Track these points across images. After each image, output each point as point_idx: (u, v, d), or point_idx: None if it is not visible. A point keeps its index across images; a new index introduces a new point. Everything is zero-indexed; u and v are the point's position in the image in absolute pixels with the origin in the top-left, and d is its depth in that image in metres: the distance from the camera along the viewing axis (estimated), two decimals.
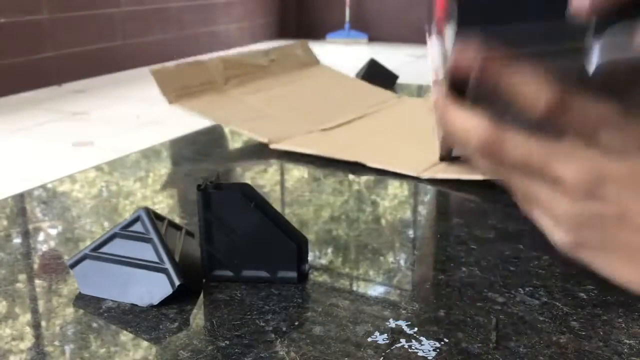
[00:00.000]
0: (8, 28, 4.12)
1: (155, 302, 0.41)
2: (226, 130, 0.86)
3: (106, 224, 0.55)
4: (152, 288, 0.41)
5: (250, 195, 0.42)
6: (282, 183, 0.67)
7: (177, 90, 0.86)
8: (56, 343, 0.37)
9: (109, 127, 3.55)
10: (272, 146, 0.74)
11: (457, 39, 0.29)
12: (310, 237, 0.51)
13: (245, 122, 0.80)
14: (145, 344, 0.37)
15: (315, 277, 0.44)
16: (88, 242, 0.48)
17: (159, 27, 5.32)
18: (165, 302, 0.41)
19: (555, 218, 0.28)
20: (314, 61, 1.06)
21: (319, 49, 1.23)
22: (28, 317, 0.41)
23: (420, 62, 4.28)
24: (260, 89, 0.92)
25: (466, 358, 0.35)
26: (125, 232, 0.43)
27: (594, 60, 0.29)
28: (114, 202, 0.60)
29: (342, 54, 5.06)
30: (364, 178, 0.66)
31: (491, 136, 0.26)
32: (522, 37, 0.32)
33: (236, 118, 0.81)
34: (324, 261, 0.47)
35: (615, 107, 0.26)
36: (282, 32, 6.67)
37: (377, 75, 1.02)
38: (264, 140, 0.74)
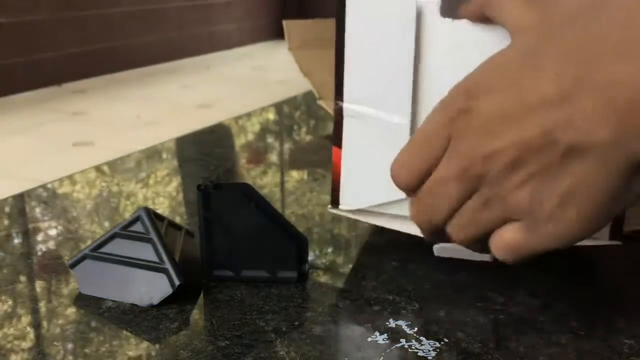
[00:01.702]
0: (8, 28, 4.12)
1: (155, 302, 0.41)
2: (229, 129, 0.86)
3: (106, 224, 0.55)
4: (152, 288, 0.41)
5: (250, 195, 0.42)
6: (282, 183, 0.67)
7: (301, 40, 0.88)
8: (56, 343, 0.38)
9: (109, 127, 3.55)
10: (318, 102, 0.78)
11: None
12: (310, 237, 0.51)
13: (325, 75, 0.80)
14: (145, 344, 0.37)
15: (315, 277, 0.45)
16: (88, 242, 0.48)
17: (159, 27, 5.32)
18: (165, 302, 0.41)
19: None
20: None
21: None
22: (28, 317, 0.41)
23: None
24: None
25: (466, 358, 0.35)
26: (125, 232, 0.43)
27: None
28: (114, 202, 0.60)
29: None
30: None
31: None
32: None
33: (321, 70, 0.81)
34: (324, 261, 0.47)
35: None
36: (282, 32, 6.67)
37: None
38: (317, 94, 0.79)
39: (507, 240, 0.31)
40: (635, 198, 0.29)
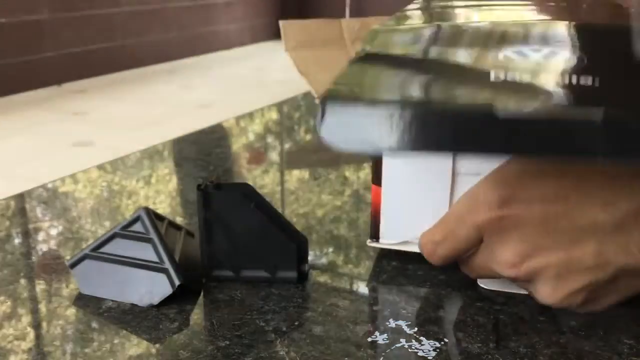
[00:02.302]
0: (8, 28, 4.12)
1: (155, 302, 0.41)
2: (229, 129, 0.86)
3: (106, 223, 0.55)
4: (152, 288, 0.41)
5: (250, 195, 0.42)
6: (282, 183, 0.67)
7: (297, 41, 0.88)
8: (56, 343, 0.38)
9: (109, 127, 3.55)
10: (317, 102, 0.79)
11: None
12: (310, 237, 0.51)
13: (323, 75, 0.81)
14: (145, 343, 0.37)
15: (315, 277, 0.45)
16: (88, 242, 0.48)
17: (159, 27, 5.32)
18: (165, 302, 0.41)
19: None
20: None
21: None
22: (28, 317, 0.41)
23: None
24: None
25: (466, 358, 0.35)
26: (125, 232, 0.43)
27: None
28: (114, 202, 0.60)
29: None
30: (364, 178, 0.66)
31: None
32: None
33: (319, 71, 0.82)
34: (324, 261, 0.47)
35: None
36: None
37: None
38: (315, 94, 0.78)
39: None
40: None
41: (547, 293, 0.36)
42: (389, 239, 0.45)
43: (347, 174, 0.67)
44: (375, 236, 0.46)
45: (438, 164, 0.42)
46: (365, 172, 0.68)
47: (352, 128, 0.30)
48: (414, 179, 0.43)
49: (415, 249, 0.44)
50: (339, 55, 0.89)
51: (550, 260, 0.34)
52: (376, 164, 0.44)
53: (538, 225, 0.33)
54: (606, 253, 0.32)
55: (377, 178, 0.44)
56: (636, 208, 0.31)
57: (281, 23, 0.89)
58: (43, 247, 0.51)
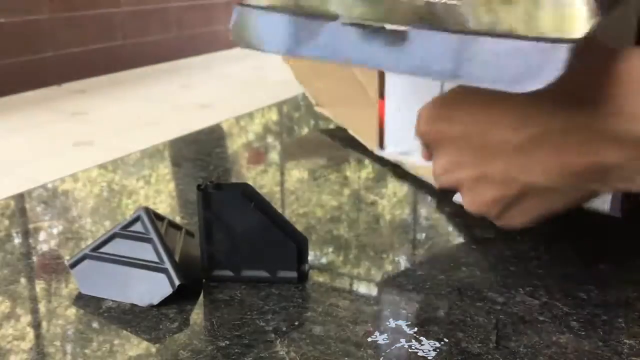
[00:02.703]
0: (8, 28, 4.12)
1: (155, 302, 0.41)
2: (229, 129, 0.86)
3: (106, 223, 0.55)
4: (152, 288, 0.41)
5: (250, 195, 0.42)
6: (282, 183, 0.67)
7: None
8: (56, 343, 0.38)
9: (109, 127, 3.55)
10: (316, 108, 0.81)
11: None
12: (310, 237, 0.51)
13: (320, 83, 0.83)
14: (145, 344, 0.37)
15: (315, 277, 0.45)
16: (88, 242, 0.48)
17: (159, 27, 5.32)
18: (165, 302, 0.41)
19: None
20: None
21: None
22: (28, 317, 0.41)
23: None
24: None
25: (466, 358, 0.35)
26: (125, 232, 0.43)
27: None
28: (114, 201, 0.60)
29: None
30: (364, 178, 0.66)
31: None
32: None
33: (316, 78, 0.84)
34: (324, 261, 0.47)
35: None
36: None
37: None
38: (313, 101, 0.81)
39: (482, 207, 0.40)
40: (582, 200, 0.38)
41: (466, 203, 0.39)
42: (392, 147, 0.49)
43: (347, 173, 0.67)
44: (381, 145, 0.50)
45: (432, 81, 0.45)
46: (366, 171, 0.68)
47: (252, 30, 0.37)
48: (413, 93, 0.46)
49: (415, 159, 0.47)
50: (334, 64, 0.89)
51: (465, 174, 0.38)
52: (380, 79, 0.48)
53: (457, 142, 0.38)
54: (512, 171, 0.36)
55: (381, 92, 0.49)
56: (541, 132, 0.34)
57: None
58: (43, 247, 0.51)
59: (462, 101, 0.38)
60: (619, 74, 0.33)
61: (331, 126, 0.84)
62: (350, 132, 0.76)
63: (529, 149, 0.35)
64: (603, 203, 0.52)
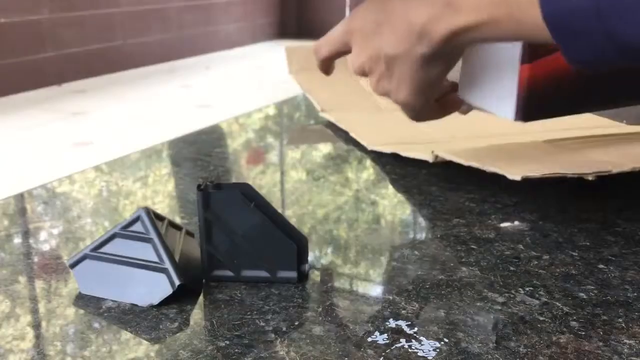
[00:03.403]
0: (8, 28, 4.12)
1: (155, 302, 0.41)
2: (229, 129, 0.86)
3: (106, 223, 0.55)
4: (152, 288, 0.41)
5: (250, 195, 0.42)
6: (282, 183, 0.67)
7: (301, 65, 0.92)
8: (56, 343, 0.38)
9: (109, 127, 3.55)
10: (321, 113, 0.82)
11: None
12: (310, 237, 0.51)
13: (325, 92, 0.84)
14: (145, 344, 0.37)
15: (315, 277, 0.45)
16: (88, 242, 0.48)
17: (159, 27, 5.33)
18: (165, 302, 0.41)
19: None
20: None
21: None
22: (28, 317, 0.41)
23: None
24: None
25: (466, 358, 0.35)
26: (125, 232, 0.43)
27: None
28: (114, 202, 0.60)
29: None
30: (364, 178, 0.66)
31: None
32: None
33: (322, 88, 0.85)
34: (324, 261, 0.47)
35: None
36: (282, 32, 6.66)
37: None
38: (318, 107, 0.82)
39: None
40: (436, 79, 0.47)
41: (370, 84, 0.50)
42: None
43: (347, 174, 0.67)
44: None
45: None
46: (367, 172, 0.68)
47: None
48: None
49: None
50: (342, 77, 0.90)
51: (361, 60, 0.49)
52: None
53: (355, 36, 0.49)
54: (378, 49, 0.47)
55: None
56: (379, 19, 0.47)
57: (285, 49, 0.93)
58: (43, 247, 0.51)
59: (361, 8, 0.49)
60: None
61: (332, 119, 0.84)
62: (353, 134, 0.76)
63: (378, 31, 0.47)
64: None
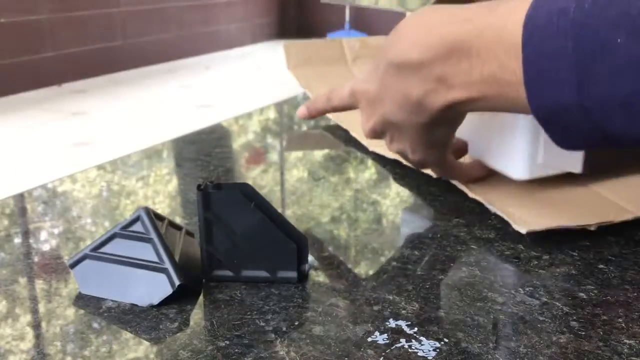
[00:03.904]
0: (8, 28, 4.12)
1: (155, 302, 0.41)
2: (229, 129, 0.86)
3: (106, 223, 0.55)
4: (152, 288, 0.41)
5: (250, 195, 0.42)
6: (282, 183, 0.67)
7: (299, 59, 0.91)
8: (56, 343, 0.38)
9: (109, 127, 3.55)
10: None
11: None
12: (310, 237, 0.51)
13: (324, 89, 0.83)
14: (145, 343, 0.37)
15: (315, 277, 0.45)
16: (88, 242, 0.48)
17: (159, 27, 5.33)
18: (165, 302, 0.41)
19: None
20: None
21: None
22: (28, 317, 0.41)
23: None
24: None
25: (466, 358, 0.35)
26: (125, 232, 0.43)
27: None
28: (114, 201, 0.60)
29: None
30: (364, 178, 0.66)
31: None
32: None
33: (321, 86, 0.84)
34: (324, 261, 0.47)
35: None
36: (282, 32, 6.66)
37: None
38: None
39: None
40: (444, 138, 0.51)
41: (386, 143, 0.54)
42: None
43: (347, 173, 0.67)
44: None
45: None
46: (366, 171, 0.68)
47: None
48: None
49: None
50: (340, 72, 0.90)
51: (365, 122, 0.53)
52: None
53: (364, 100, 0.52)
54: (382, 112, 0.50)
55: None
56: (379, 90, 0.49)
57: (284, 44, 0.92)
58: (43, 247, 0.51)
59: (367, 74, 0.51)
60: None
61: (331, 123, 0.84)
62: (354, 134, 0.76)
63: (379, 98, 0.49)
64: (574, 163, 0.53)
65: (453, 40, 0.41)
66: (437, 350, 0.36)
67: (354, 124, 0.79)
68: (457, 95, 0.42)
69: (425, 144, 0.50)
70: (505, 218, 0.51)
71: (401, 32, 0.46)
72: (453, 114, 0.46)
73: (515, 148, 0.53)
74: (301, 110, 0.62)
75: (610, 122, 0.35)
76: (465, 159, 0.59)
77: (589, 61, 0.33)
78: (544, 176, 0.54)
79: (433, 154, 0.52)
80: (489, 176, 0.58)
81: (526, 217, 0.50)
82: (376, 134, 0.52)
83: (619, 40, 0.32)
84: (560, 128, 0.37)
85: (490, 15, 0.40)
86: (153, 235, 0.43)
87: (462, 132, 0.57)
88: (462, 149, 0.59)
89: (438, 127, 0.48)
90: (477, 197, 0.54)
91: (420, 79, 0.44)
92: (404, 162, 0.57)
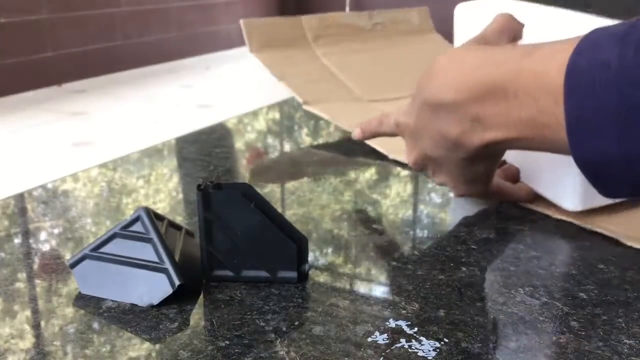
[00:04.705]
0: (8, 28, 4.12)
1: (155, 302, 0.41)
2: (229, 129, 0.86)
3: (107, 223, 0.55)
4: (152, 288, 0.41)
5: (250, 195, 0.42)
6: (282, 183, 0.67)
7: (261, 42, 0.87)
8: (56, 343, 0.38)
9: (109, 127, 3.55)
10: (304, 107, 0.79)
11: None
12: (310, 237, 0.51)
13: (300, 80, 0.80)
14: (145, 343, 0.37)
15: (315, 277, 0.45)
16: (88, 242, 0.48)
17: (159, 27, 5.32)
18: (165, 302, 0.41)
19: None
20: (427, 29, 1.00)
21: None
22: (28, 316, 0.41)
23: None
24: (346, 51, 0.90)
25: (466, 358, 0.35)
26: (125, 232, 0.43)
27: None
28: (114, 201, 0.60)
29: None
30: (365, 177, 0.66)
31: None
32: None
33: (294, 75, 0.81)
34: (324, 261, 0.47)
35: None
36: None
37: None
38: (300, 99, 0.79)
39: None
40: (485, 172, 0.50)
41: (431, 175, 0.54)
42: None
43: (348, 174, 0.67)
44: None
45: None
46: (368, 172, 0.68)
47: None
48: None
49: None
50: (307, 56, 0.88)
51: (415, 156, 0.52)
52: None
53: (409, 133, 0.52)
54: (423, 148, 0.50)
55: None
56: (417, 126, 0.49)
57: (242, 22, 0.87)
58: (43, 247, 0.51)
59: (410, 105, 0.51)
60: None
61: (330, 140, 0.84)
62: (341, 125, 0.76)
63: (418, 128, 0.49)
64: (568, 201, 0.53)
65: (489, 82, 0.41)
66: (437, 350, 0.36)
67: (340, 113, 0.78)
68: (494, 135, 0.43)
69: (466, 178, 0.50)
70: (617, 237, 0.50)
71: (436, 71, 0.46)
72: (491, 151, 0.46)
73: (568, 178, 0.52)
74: (357, 132, 0.62)
75: None
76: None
77: (632, 115, 0.33)
78: (597, 206, 0.54)
79: (475, 188, 0.52)
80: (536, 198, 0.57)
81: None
82: (419, 166, 0.52)
83: None
84: (601, 178, 0.38)
85: (528, 58, 0.40)
86: (153, 235, 0.43)
87: (514, 158, 0.57)
88: (514, 175, 0.59)
89: (478, 163, 0.48)
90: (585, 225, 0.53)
91: (456, 119, 0.44)
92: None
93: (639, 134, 0.34)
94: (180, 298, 0.41)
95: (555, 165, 0.53)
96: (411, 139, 0.51)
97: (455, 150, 0.46)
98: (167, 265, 0.41)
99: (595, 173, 0.37)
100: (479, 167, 0.49)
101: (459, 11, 0.62)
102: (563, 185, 0.53)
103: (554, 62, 0.38)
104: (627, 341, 0.37)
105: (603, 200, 0.53)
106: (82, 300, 0.42)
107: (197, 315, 0.40)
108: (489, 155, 0.48)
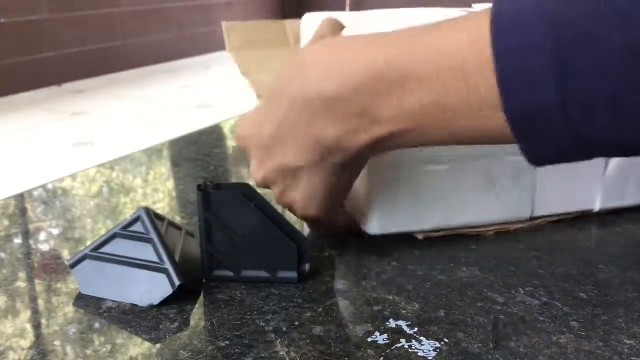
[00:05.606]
0: (8, 28, 4.12)
1: (155, 302, 0.41)
2: (229, 129, 0.86)
3: (107, 223, 0.55)
4: (152, 288, 0.41)
5: (250, 195, 0.42)
6: None
7: (241, 42, 0.87)
8: (56, 343, 0.38)
9: (109, 127, 3.55)
10: (258, 99, 0.77)
11: None
12: (311, 237, 0.51)
13: (267, 76, 0.80)
14: (145, 344, 0.37)
15: (315, 277, 0.45)
16: (88, 242, 0.48)
17: (159, 27, 5.32)
18: (165, 302, 0.41)
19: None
20: None
21: None
22: (28, 316, 0.41)
23: None
24: None
25: (466, 358, 0.35)
26: (125, 232, 0.43)
27: None
28: (114, 201, 0.60)
29: None
30: None
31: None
32: None
33: (262, 71, 0.81)
34: (324, 261, 0.47)
35: None
36: None
37: None
38: (255, 91, 0.79)
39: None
40: (346, 184, 0.45)
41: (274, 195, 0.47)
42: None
43: None
44: None
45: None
46: None
47: None
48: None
49: None
50: (281, 55, 0.88)
51: (263, 171, 0.45)
52: None
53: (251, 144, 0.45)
54: (279, 160, 0.43)
55: None
56: (278, 134, 0.42)
57: (224, 24, 0.87)
58: (43, 247, 0.51)
59: (252, 113, 0.46)
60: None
61: None
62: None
63: (280, 135, 0.42)
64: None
65: (379, 67, 0.36)
66: (437, 350, 0.36)
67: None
68: (384, 129, 0.37)
69: (326, 192, 0.44)
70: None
71: (306, 61, 0.39)
72: (376, 150, 0.40)
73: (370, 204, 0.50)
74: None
75: (592, 124, 0.31)
76: None
77: (569, 52, 0.30)
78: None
79: (329, 206, 0.45)
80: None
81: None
82: (266, 183, 0.45)
83: (601, 28, 0.29)
84: (535, 135, 0.33)
85: (427, 35, 0.35)
86: (153, 235, 0.43)
87: None
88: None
89: (346, 171, 0.43)
90: None
91: (337, 117, 0.38)
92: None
93: (575, 73, 0.30)
94: (180, 298, 0.41)
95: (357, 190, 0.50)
96: (262, 151, 0.44)
97: (329, 155, 0.40)
98: (167, 265, 0.41)
99: (529, 131, 0.33)
100: (344, 176, 0.43)
101: (305, 21, 0.59)
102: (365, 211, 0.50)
103: (465, 32, 0.33)
104: (627, 341, 0.37)
105: (400, 227, 0.50)
106: (82, 300, 0.42)
107: (197, 315, 0.40)
108: (361, 161, 0.43)
